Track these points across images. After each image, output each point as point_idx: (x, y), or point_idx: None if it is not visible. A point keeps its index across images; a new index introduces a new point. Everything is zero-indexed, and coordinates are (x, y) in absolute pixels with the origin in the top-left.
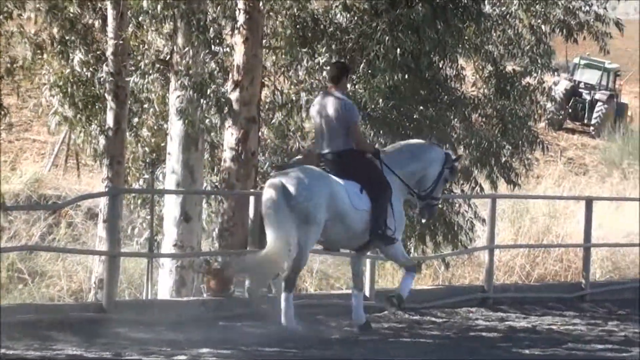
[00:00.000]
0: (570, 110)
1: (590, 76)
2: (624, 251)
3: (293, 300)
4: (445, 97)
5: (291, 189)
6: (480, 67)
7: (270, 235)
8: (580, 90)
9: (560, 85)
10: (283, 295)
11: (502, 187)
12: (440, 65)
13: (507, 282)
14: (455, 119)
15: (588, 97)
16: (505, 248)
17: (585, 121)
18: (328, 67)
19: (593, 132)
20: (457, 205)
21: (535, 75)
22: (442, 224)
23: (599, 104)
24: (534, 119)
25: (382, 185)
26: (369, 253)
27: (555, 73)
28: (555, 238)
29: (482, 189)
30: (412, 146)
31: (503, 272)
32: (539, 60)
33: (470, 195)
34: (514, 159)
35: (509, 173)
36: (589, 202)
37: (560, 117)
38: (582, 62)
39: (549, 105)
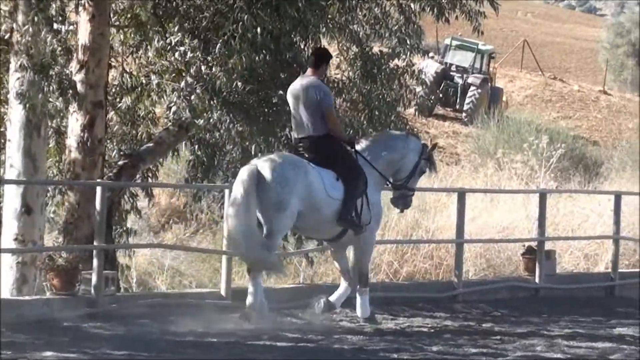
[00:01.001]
0: (441, 95)
1: (462, 58)
2: (499, 247)
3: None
4: None
5: (266, 174)
6: (345, 49)
7: (235, 219)
8: (451, 73)
9: (430, 67)
10: (251, 278)
11: None
12: (302, 46)
13: (373, 280)
14: None
15: (460, 81)
16: (379, 244)
17: (457, 107)
18: (310, 53)
19: (465, 119)
20: None
21: (404, 57)
22: None
23: (472, 88)
24: (403, 104)
25: (358, 175)
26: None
27: (426, 55)
28: (425, 233)
29: None
30: (389, 136)
31: (369, 270)
32: (408, 41)
33: None
34: None
35: None
36: (461, 194)
37: (431, 102)
38: (454, 43)
39: (419, 89)
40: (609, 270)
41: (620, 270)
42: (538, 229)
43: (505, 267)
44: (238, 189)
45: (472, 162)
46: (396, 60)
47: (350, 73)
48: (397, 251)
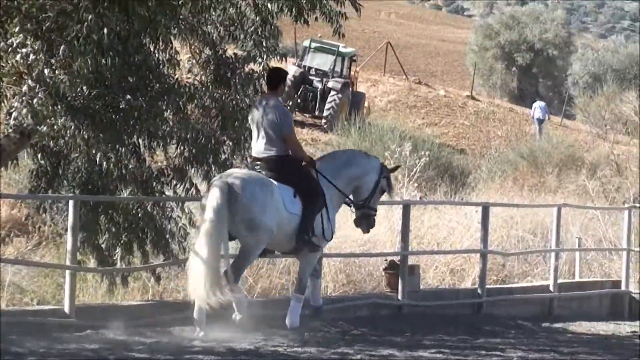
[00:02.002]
0: (299, 101)
1: (322, 61)
2: (360, 262)
3: None
4: (157, 85)
5: (238, 190)
6: (198, 51)
7: (206, 237)
8: (310, 77)
9: (288, 71)
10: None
11: None
12: (152, 49)
13: None
14: (168, 110)
15: (319, 86)
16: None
17: (317, 113)
18: (265, 74)
19: (325, 126)
20: (169, 209)
21: (260, 60)
22: (152, 230)
23: (332, 93)
24: None
25: (315, 192)
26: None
27: (283, 58)
28: None
29: (198, 191)
30: (348, 155)
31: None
32: (265, 44)
33: (185, 198)
34: (235, 157)
35: None
36: None
37: (288, 108)
38: (313, 45)
39: None
40: (476, 286)
41: (487, 286)
42: (401, 243)
43: (366, 283)
44: (210, 207)
45: None
46: (252, 64)
47: (203, 77)
48: (252, 266)
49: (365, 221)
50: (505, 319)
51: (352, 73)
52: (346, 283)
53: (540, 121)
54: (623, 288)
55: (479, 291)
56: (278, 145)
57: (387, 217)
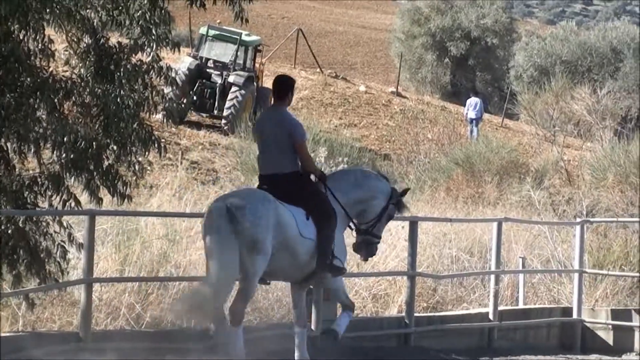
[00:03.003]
0: (194, 98)
1: (221, 52)
2: (267, 287)
3: None
4: (28, 79)
5: (237, 213)
6: (75, 39)
7: (213, 264)
8: (208, 70)
9: (182, 63)
10: (231, 330)
11: (107, 200)
12: (22, 37)
13: (110, 327)
14: (42, 109)
15: (219, 80)
16: (108, 282)
17: (215, 112)
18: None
19: (225, 127)
20: (44, 224)
21: (149, 50)
22: (25, 248)
23: (234, 89)
24: (148, 109)
25: (329, 213)
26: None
27: (176, 48)
28: (176, 269)
29: (78, 202)
30: (357, 174)
31: (105, 314)
32: (154, 31)
33: (62, 212)
34: (120, 163)
35: (114, 182)
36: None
37: (182, 106)
38: (211, 33)
39: (167, 90)
40: (403, 314)
41: (416, 314)
42: None
43: (274, 311)
44: (210, 231)
45: (234, 180)
46: (139, 55)
47: (82, 70)
48: (140, 291)
49: (365, 248)
50: (437, 352)
51: (257, 65)
52: (250, 311)
53: (475, 121)
54: (574, 316)
55: (407, 320)
56: (288, 160)
57: None
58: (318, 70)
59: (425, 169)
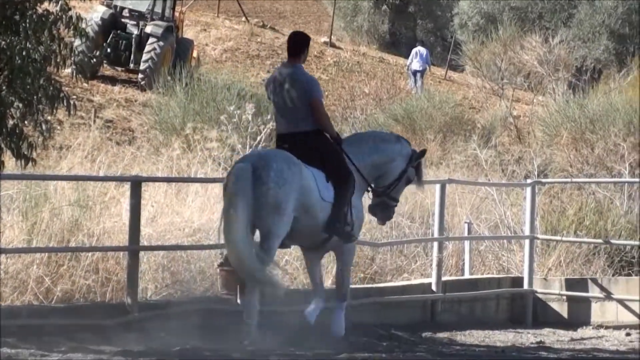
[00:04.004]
0: (108, 50)
1: (137, 1)
2: (189, 256)
3: None
4: None
5: (262, 173)
6: None
7: (232, 223)
8: (123, 20)
9: (94, 13)
10: (249, 293)
11: (11, 164)
12: None
13: (17, 302)
14: None
15: (135, 31)
16: (14, 253)
17: (131, 66)
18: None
19: (142, 82)
20: None
21: None
22: None
23: (151, 40)
24: (56, 64)
25: (347, 176)
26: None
27: None
28: (88, 238)
29: None
30: (378, 137)
31: (11, 289)
32: None
33: None
34: (26, 123)
35: (19, 143)
36: (137, 184)
37: (94, 60)
38: None
39: (78, 43)
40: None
41: (353, 286)
42: None
43: (197, 284)
44: (233, 190)
45: (152, 140)
46: (46, 4)
47: None
48: (50, 263)
49: (382, 211)
50: (376, 327)
51: (176, 15)
52: (171, 284)
53: (420, 73)
54: (525, 286)
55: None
56: (305, 118)
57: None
58: (244, 19)
59: (361, 126)
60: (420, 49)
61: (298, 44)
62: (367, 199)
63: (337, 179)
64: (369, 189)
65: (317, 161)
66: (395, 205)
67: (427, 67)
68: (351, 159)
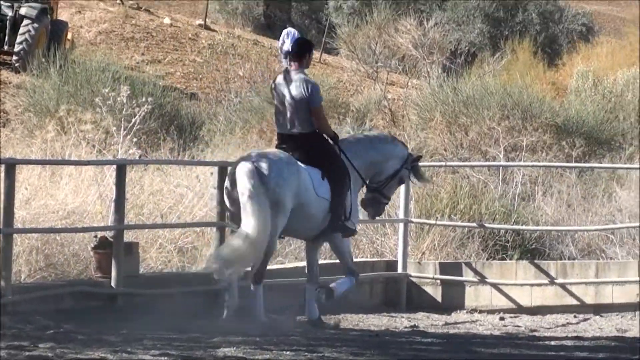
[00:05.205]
0: None
1: None
2: (63, 239)
3: None
4: None
5: (265, 172)
6: None
7: (250, 221)
8: None
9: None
10: (253, 288)
11: None
12: None
13: None
14: None
15: (9, 13)
16: None
17: (6, 47)
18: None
19: (17, 64)
20: None
21: None
22: None
23: (26, 22)
24: None
25: (342, 173)
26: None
27: None
28: None
29: None
30: (375, 138)
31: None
32: None
33: None
34: None
35: None
36: (11, 166)
37: None
38: None
39: None
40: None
41: None
42: (115, 214)
43: (71, 267)
44: (243, 185)
45: (26, 123)
46: None
47: None
48: None
49: (372, 206)
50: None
51: None
52: (45, 267)
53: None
54: (399, 270)
55: (216, 276)
56: (305, 120)
57: (97, 181)
58: (118, 1)
59: (236, 109)
60: (290, 30)
61: (301, 49)
62: (361, 195)
63: (333, 177)
64: (364, 184)
65: (314, 160)
66: (387, 203)
67: None
68: (348, 157)
